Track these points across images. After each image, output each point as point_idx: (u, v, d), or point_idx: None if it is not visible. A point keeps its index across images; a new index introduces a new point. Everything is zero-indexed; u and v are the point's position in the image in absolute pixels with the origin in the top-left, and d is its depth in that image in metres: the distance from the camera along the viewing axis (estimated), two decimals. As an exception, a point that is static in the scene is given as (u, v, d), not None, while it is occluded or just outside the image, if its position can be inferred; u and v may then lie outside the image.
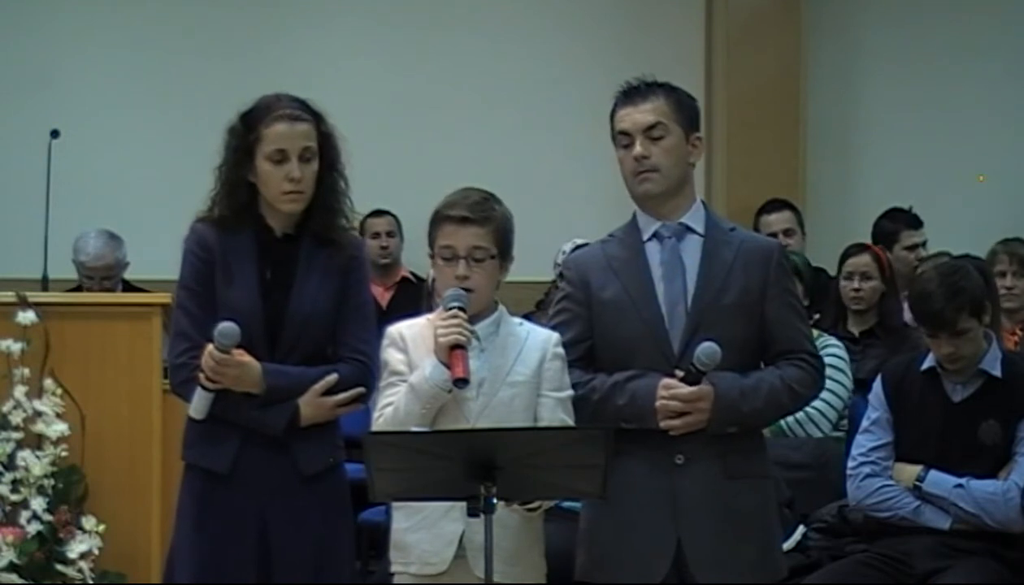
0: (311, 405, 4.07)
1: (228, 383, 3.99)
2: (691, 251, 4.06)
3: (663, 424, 3.93)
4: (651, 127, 4.03)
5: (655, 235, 4.08)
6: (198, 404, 4.03)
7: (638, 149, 4.02)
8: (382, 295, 7.87)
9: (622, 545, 3.99)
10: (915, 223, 7.35)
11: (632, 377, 3.98)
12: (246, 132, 4.07)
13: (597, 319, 4.06)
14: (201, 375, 3.99)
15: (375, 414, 3.95)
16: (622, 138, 4.07)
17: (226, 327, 3.94)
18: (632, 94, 4.09)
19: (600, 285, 4.06)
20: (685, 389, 3.91)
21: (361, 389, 4.11)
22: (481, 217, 3.93)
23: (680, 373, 3.93)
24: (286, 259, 4.11)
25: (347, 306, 4.14)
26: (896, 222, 7.37)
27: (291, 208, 4.09)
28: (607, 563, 4.03)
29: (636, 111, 4.05)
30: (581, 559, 4.09)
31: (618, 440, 3.98)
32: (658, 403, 3.92)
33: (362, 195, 4.33)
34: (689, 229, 4.07)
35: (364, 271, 4.25)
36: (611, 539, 4.01)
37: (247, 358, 4.00)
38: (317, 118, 4.12)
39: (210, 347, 3.96)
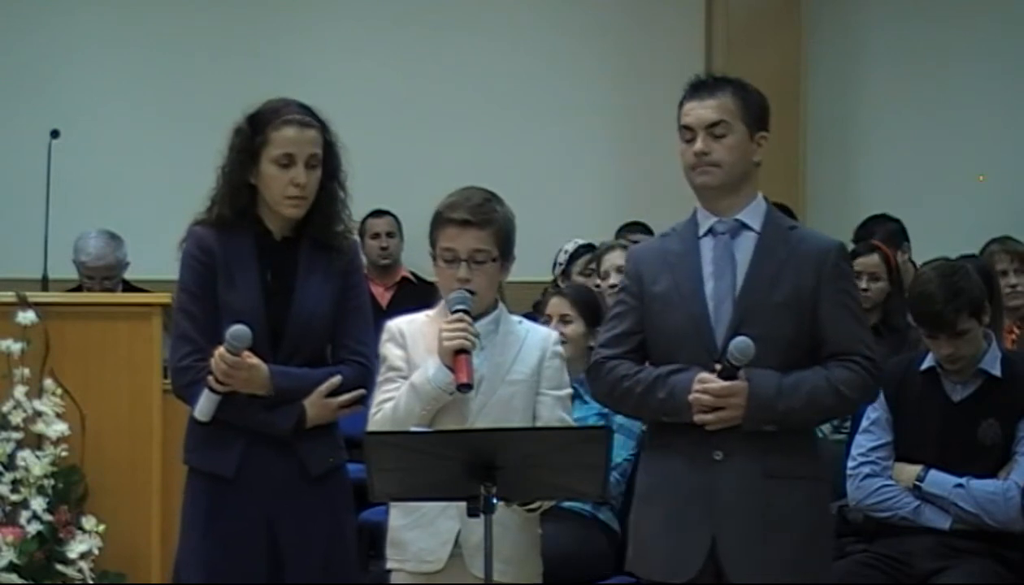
0: (316, 406, 4.07)
1: (238, 385, 3.99)
2: (744, 248, 4.01)
3: (697, 418, 3.88)
4: (714, 124, 3.98)
5: (710, 230, 4.05)
6: (204, 406, 4.02)
7: (699, 145, 3.98)
8: (382, 295, 7.88)
9: (659, 539, 3.98)
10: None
11: (674, 371, 3.95)
12: (253, 134, 4.06)
13: (647, 312, 4.03)
14: (210, 377, 3.98)
15: (372, 409, 3.94)
16: (685, 132, 4.03)
17: (238, 329, 3.93)
18: (699, 88, 4.05)
19: (652, 279, 4.04)
20: (718, 383, 3.87)
21: (362, 390, 4.11)
22: (483, 220, 3.91)
23: (718, 367, 3.89)
24: (286, 262, 4.11)
25: (346, 308, 4.14)
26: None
27: (292, 213, 4.09)
28: (646, 556, 4.04)
29: (700, 106, 4.01)
30: (628, 550, 4.13)
31: (659, 434, 4.01)
32: (691, 397, 3.88)
33: (363, 194, 4.33)
34: (745, 226, 4.03)
35: (362, 273, 4.28)
36: (650, 533, 4.01)
37: (256, 360, 4.00)
38: (322, 126, 4.12)
39: (220, 349, 3.95)
